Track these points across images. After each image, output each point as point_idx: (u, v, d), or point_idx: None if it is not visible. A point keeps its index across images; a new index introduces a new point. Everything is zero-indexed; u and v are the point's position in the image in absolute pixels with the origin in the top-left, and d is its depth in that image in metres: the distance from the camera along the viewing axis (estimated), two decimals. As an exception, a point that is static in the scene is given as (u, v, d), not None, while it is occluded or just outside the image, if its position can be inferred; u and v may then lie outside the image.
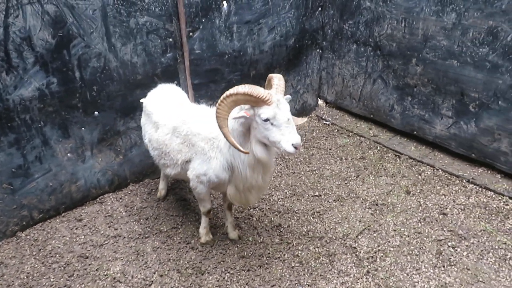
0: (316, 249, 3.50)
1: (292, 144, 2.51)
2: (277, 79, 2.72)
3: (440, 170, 4.42)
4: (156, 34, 3.90)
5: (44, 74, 3.42)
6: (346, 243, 3.55)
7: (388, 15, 4.57)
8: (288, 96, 2.72)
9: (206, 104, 3.40)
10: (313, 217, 3.87)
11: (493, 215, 3.75)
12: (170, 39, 4.02)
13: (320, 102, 5.95)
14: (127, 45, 3.76)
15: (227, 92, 2.48)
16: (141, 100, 4.04)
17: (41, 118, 3.53)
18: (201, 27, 4.16)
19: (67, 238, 3.66)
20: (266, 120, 2.51)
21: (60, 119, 3.64)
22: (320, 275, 3.24)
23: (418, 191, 4.15)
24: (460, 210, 3.85)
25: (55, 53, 3.40)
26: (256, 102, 2.51)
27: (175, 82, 4.16)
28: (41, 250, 3.53)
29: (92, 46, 3.56)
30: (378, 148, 4.93)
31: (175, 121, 3.21)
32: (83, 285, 3.21)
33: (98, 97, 3.78)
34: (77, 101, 3.67)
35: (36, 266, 3.38)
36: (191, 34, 4.13)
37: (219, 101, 2.50)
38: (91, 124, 3.84)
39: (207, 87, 4.49)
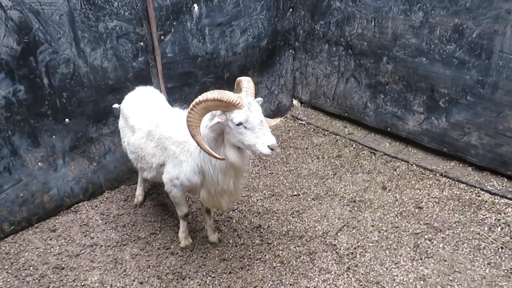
0: (296, 248, 3.51)
1: (268, 146, 2.49)
2: (246, 82, 2.67)
3: (414, 165, 4.51)
4: (126, 38, 3.84)
5: (10, 82, 3.30)
6: (326, 241, 3.57)
7: (358, 14, 4.64)
8: (260, 99, 2.71)
9: (180, 107, 3.36)
10: (292, 217, 3.89)
11: (466, 207, 3.85)
12: (141, 43, 3.96)
13: (295, 102, 5.98)
14: (96, 50, 3.68)
15: (197, 100, 2.43)
16: (113, 106, 3.99)
17: (8, 127, 3.41)
18: (172, 30, 4.12)
19: (41, 250, 3.54)
20: (239, 124, 2.49)
21: (29, 127, 3.52)
22: (302, 274, 3.25)
23: (394, 187, 4.23)
24: (435, 203, 3.94)
25: (21, 60, 3.29)
26: (227, 107, 2.47)
27: (148, 86, 4.10)
28: (14, 263, 3.40)
29: (60, 52, 3.47)
30: (354, 146, 4.99)
31: (149, 125, 3.16)
32: (59, 298, 3.12)
33: (68, 104, 3.68)
34: (46, 109, 3.57)
35: (8, 280, 3.25)
36: (162, 37, 4.08)
37: (189, 109, 2.46)
38: (62, 131, 3.73)
39: (181, 90, 4.44)
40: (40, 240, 3.64)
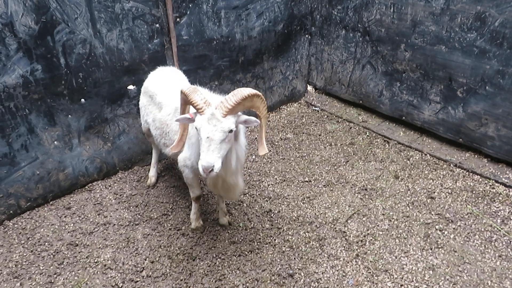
0: (306, 233, 3.53)
1: (202, 165, 2.41)
2: (231, 94, 2.47)
3: (428, 155, 4.46)
4: (142, 19, 3.83)
5: (28, 61, 3.34)
6: (335, 228, 3.58)
7: (377, 0, 4.55)
8: (255, 120, 2.59)
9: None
10: (303, 203, 3.90)
11: (480, 199, 3.81)
12: (157, 25, 3.95)
13: (309, 88, 5.94)
14: (113, 31, 3.69)
15: (180, 89, 2.55)
16: (128, 87, 4.02)
17: (26, 106, 3.46)
18: (188, 12, 4.10)
19: (56, 226, 3.63)
20: (196, 128, 2.51)
21: (46, 106, 3.57)
22: (311, 259, 3.27)
23: (406, 176, 4.19)
24: (447, 194, 3.91)
25: (38, 39, 3.32)
26: (194, 107, 2.48)
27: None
28: (30, 239, 3.50)
29: (76, 32, 3.49)
30: (367, 134, 4.95)
31: (177, 102, 3.18)
32: (73, 273, 3.20)
33: (84, 84, 3.71)
34: (62, 88, 3.61)
35: (25, 254, 3.35)
36: (178, 19, 4.06)
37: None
38: (77, 111, 3.78)
39: (195, 73, 4.44)
40: (55, 217, 3.73)
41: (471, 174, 4.13)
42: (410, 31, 4.37)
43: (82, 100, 3.76)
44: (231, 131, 2.46)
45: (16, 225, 3.63)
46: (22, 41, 3.25)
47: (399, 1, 4.34)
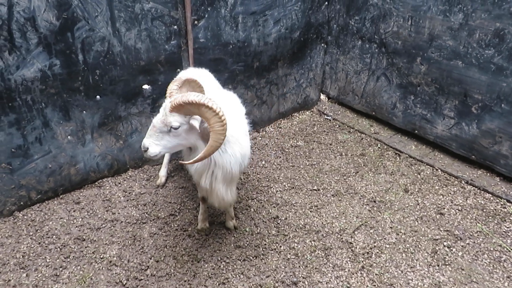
0: (312, 242, 3.51)
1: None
2: (181, 94, 2.57)
3: (439, 170, 4.42)
4: (161, 20, 3.88)
5: (47, 56, 3.40)
6: (342, 238, 3.56)
7: (395, 12, 4.54)
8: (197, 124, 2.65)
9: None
10: (310, 211, 3.88)
11: (490, 217, 3.76)
12: (175, 27, 4.00)
13: (322, 97, 5.93)
14: (131, 30, 3.74)
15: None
16: (143, 87, 4.06)
17: (42, 100, 3.52)
18: (206, 15, 4.14)
19: (65, 220, 3.67)
20: None
21: (62, 101, 3.63)
22: (315, 268, 3.25)
23: (416, 190, 4.16)
24: (457, 210, 3.86)
25: (58, 35, 3.38)
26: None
27: (178, 70, 4.15)
28: (38, 231, 3.54)
29: (96, 29, 3.54)
30: (379, 146, 4.92)
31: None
32: (79, 267, 3.23)
33: (100, 81, 3.76)
34: (79, 84, 3.66)
35: (32, 246, 3.39)
36: (196, 22, 4.10)
37: None
38: (92, 108, 3.83)
39: (210, 76, 4.47)
40: (64, 211, 3.77)
41: (482, 192, 4.08)
42: (427, 45, 4.35)
43: (98, 97, 3.81)
44: (175, 128, 2.58)
45: (25, 217, 3.68)
46: (43, 36, 3.31)
47: (417, 14, 4.33)
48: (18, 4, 3.10)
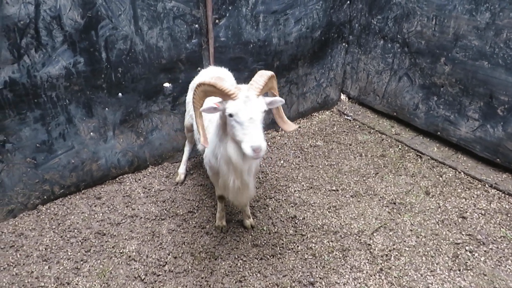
0: (330, 243, 3.49)
1: (251, 147, 2.33)
2: (257, 76, 2.53)
3: (462, 173, 4.32)
4: (182, 19, 3.92)
5: (72, 54, 3.47)
6: (360, 240, 3.52)
7: (419, 11, 4.46)
8: (279, 99, 2.62)
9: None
10: (328, 211, 3.85)
11: (515, 222, 3.65)
12: (196, 25, 4.03)
13: (342, 97, 5.88)
14: (153, 29, 3.78)
15: (198, 81, 2.51)
16: (164, 85, 4.10)
17: (66, 96, 3.60)
18: (227, 14, 4.15)
19: (86, 215, 3.74)
20: (230, 115, 2.45)
21: (85, 98, 3.70)
22: (333, 269, 3.23)
23: (438, 193, 4.07)
24: (480, 214, 3.76)
25: (83, 33, 3.45)
26: (222, 95, 2.45)
27: (199, 68, 4.18)
28: (60, 224, 3.63)
29: (119, 28, 3.60)
30: (400, 147, 4.85)
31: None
32: (99, 261, 3.29)
33: (122, 79, 3.82)
34: (102, 82, 3.73)
35: (54, 239, 3.48)
36: (217, 21, 4.12)
37: (194, 90, 2.55)
38: (114, 105, 3.89)
39: (230, 75, 4.49)
40: (86, 206, 3.85)
41: (507, 196, 3.96)
42: (451, 45, 4.26)
43: (120, 94, 3.87)
44: (264, 111, 2.48)
45: (48, 210, 3.77)
46: (68, 34, 3.39)
47: (442, 13, 4.24)
48: (44, 3, 3.18)
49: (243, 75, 4.57)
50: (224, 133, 2.65)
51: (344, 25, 5.25)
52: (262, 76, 2.51)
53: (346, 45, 5.45)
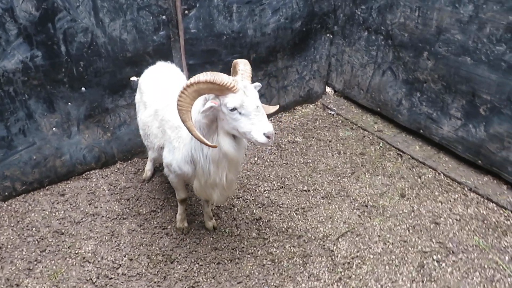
0: (291, 248, 3.36)
1: (264, 134, 2.31)
2: (242, 65, 2.50)
3: (442, 174, 4.12)
4: (148, 10, 3.75)
5: (28, 47, 3.35)
6: (324, 245, 3.38)
7: (402, 2, 4.20)
8: (258, 84, 2.53)
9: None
10: (296, 214, 3.71)
11: (490, 230, 3.46)
12: (164, 17, 3.85)
13: (328, 90, 5.66)
14: (116, 20, 3.62)
15: (188, 82, 2.27)
16: (131, 78, 3.96)
17: (25, 91, 3.49)
18: (197, 5, 3.96)
19: (47, 212, 3.67)
20: (234, 109, 2.31)
21: (46, 93, 3.59)
22: (290, 277, 3.10)
23: (413, 195, 3.89)
24: (455, 220, 3.58)
25: (39, 26, 3.31)
26: (221, 90, 2.30)
27: (169, 61, 4.01)
28: (19, 222, 3.56)
29: (78, 20, 3.45)
30: (381, 145, 4.65)
31: (158, 104, 3.07)
32: (53, 262, 3.22)
33: (85, 73, 3.69)
34: (63, 76, 3.60)
35: (11, 237, 3.42)
36: (186, 12, 3.94)
37: (179, 92, 2.30)
38: (78, 99, 3.77)
39: (202, 68, 4.31)
40: (48, 203, 3.78)
41: (486, 201, 3.76)
42: (434, 38, 4.01)
43: (83, 88, 3.75)
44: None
45: (9, 207, 3.71)
46: (23, 27, 3.26)
47: (425, 5, 3.98)
48: (-7, -5, 3.04)
49: (217, 68, 4.40)
50: (210, 131, 2.51)
51: (328, 15, 5.00)
52: (246, 64, 2.51)
53: (331, 36, 5.20)
